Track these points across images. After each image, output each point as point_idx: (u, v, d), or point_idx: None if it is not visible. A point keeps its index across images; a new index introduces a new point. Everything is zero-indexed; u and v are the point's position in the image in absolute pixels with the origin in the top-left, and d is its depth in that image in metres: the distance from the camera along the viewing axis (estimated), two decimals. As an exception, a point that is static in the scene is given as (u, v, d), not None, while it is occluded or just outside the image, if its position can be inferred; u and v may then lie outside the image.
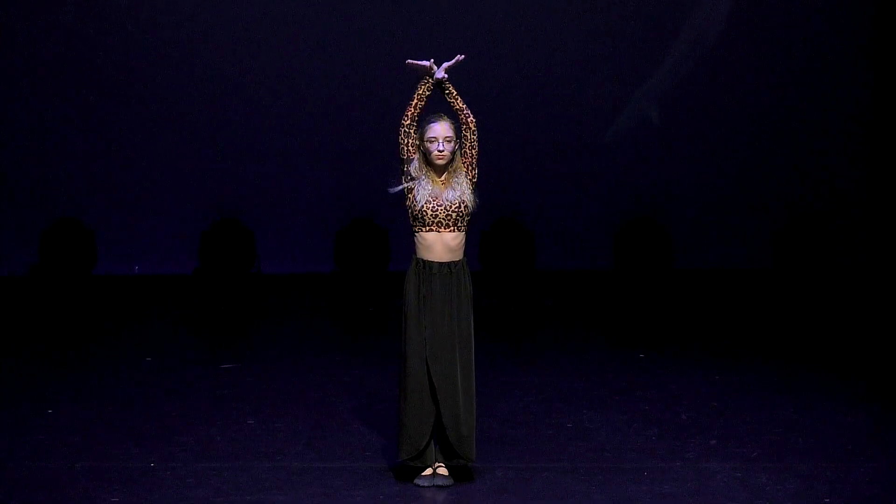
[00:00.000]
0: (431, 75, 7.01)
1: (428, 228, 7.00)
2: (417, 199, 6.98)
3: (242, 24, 13.66)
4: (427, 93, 7.03)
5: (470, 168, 7.05)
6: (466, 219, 7.03)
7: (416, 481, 7.06)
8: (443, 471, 7.08)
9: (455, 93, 7.04)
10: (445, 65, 7.07)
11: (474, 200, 7.03)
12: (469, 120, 7.02)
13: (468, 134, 7.03)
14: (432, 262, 6.99)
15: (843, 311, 12.65)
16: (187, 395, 9.18)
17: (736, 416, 8.56)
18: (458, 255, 7.03)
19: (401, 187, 7.06)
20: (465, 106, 7.03)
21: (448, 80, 7.05)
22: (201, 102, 13.66)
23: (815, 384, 9.53)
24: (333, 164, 13.76)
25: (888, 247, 13.72)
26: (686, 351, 10.89)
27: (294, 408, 8.75)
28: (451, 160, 7.04)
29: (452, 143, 7.02)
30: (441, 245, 7.00)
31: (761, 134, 13.90)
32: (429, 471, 7.07)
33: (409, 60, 7.07)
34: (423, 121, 7.05)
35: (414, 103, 7.01)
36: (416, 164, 7.04)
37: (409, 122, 7.01)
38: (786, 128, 13.92)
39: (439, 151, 6.98)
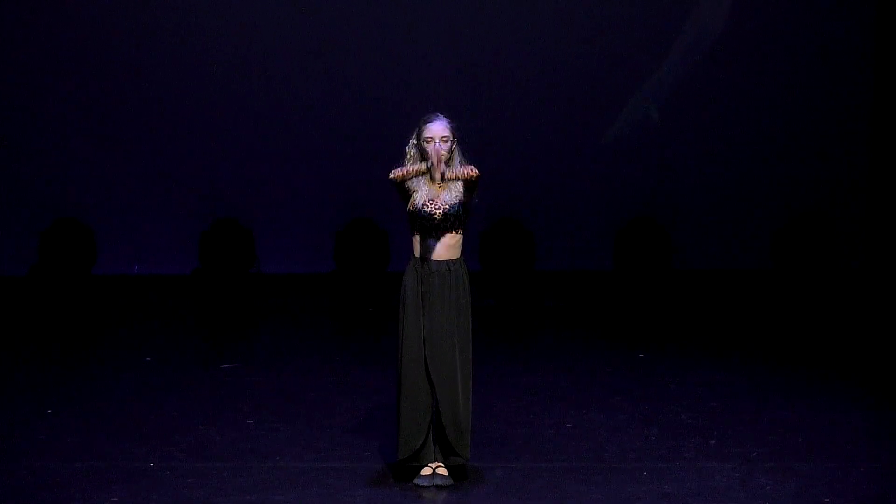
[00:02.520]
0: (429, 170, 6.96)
1: (426, 230, 7.01)
2: (416, 202, 6.99)
3: (242, 25, 13.65)
4: (420, 174, 6.97)
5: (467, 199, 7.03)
6: (465, 220, 7.05)
7: (416, 481, 7.06)
8: (442, 471, 7.08)
9: (456, 174, 6.93)
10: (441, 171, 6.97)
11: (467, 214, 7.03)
12: (473, 175, 6.94)
13: (474, 188, 6.97)
14: (431, 260, 7.00)
15: (843, 311, 12.65)
16: (187, 395, 9.18)
17: (736, 416, 8.56)
18: (455, 254, 7.05)
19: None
20: (464, 173, 6.93)
21: (446, 167, 6.96)
22: (201, 102, 13.66)
23: (814, 384, 9.53)
24: (333, 164, 13.75)
25: (888, 247, 13.72)
26: (686, 351, 10.89)
27: (294, 408, 8.75)
28: (449, 160, 7.04)
29: (449, 143, 7.02)
30: (439, 245, 7.01)
31: (761, 134, 13.89)
32: (428, 470, 7.07)
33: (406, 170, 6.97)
34: (420, 121, 7.05)
35: (406, 171, 6.94)
36: (407, 168, 7.02)
37: (399, 182, 6.97)
38: (786, 128, 13.91)
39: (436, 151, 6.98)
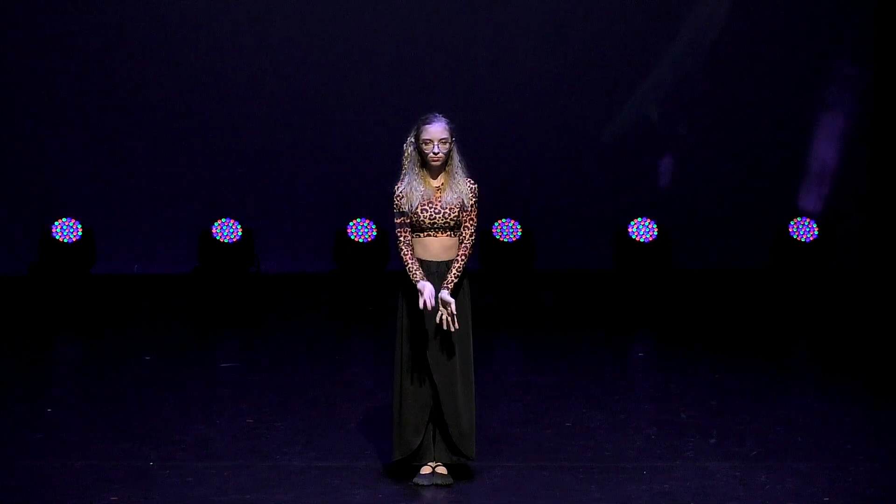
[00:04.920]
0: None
1: (426, 233, 7.00)
2: (412, 203, 6.96)
3: (241, 24, 13.66)
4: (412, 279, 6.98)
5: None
6: (471, 226, 7.04)
7: (416, 480, 7.06)
8: (442, 470, 7.08)
9: (455, 274, 6.95)
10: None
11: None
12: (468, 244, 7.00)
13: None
14: (430, 261, 6.99)
15: (842, 310, 12.65)
16: (187, 394, 9.18)
17: (735, 415, 8.56)
18: (454, 254, 7.03)
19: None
20: (464, 254, 6.98)
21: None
22: (201, 102, 13.66)
23: (814, 383, 9.54)
24: (333, 164, 13.76)
25: (888, 247, 13.72)
26: (686, 351, 10.89)
27: (294, 408, 8.75)
28: (447, 161, 7.03)
29: (448, 145, 7.01)
30: (438, 245, 7.00)
31: (761, 134, 13.90)
32: (427, 469, 7.07)
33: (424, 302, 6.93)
34: (418, 120, 7.03)
35: (402, 252, 6.99)
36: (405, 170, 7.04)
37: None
38: (786, 128, 13.91)
39: (434, 154, 6.97)
